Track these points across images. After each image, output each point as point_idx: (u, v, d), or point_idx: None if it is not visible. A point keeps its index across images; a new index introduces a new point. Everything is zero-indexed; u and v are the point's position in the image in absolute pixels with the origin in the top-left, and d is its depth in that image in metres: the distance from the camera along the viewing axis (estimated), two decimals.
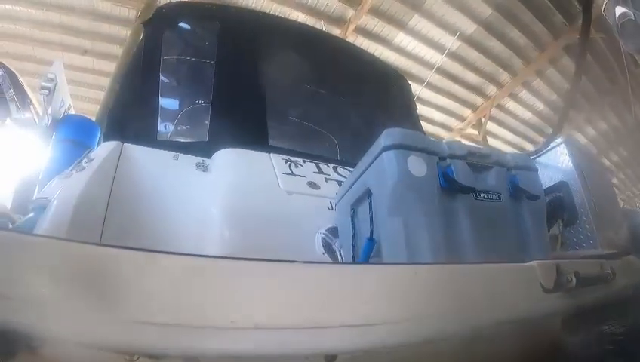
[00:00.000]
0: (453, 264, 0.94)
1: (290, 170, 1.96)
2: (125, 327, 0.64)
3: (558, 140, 2.24)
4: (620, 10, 4.66)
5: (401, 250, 1.14)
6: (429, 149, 1.28)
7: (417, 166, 1.22)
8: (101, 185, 1.60)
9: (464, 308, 0.81)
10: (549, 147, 2.25)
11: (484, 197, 1.36)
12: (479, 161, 1.41)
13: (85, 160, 1.74)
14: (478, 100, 10.62)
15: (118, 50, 7.56)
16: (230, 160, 1.92)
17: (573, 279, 1.03)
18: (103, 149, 1.78)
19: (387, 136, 1.25)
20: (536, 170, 1.63)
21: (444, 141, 1.40)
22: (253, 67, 2.43)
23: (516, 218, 1.46)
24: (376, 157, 1.28)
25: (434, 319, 0.76)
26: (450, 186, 1.26)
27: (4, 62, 4.84)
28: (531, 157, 1.96)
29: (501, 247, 1.35)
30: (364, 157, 1.41)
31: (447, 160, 1.32)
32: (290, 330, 0.68)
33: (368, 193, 1.34)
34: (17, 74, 5.01)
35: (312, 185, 1.90)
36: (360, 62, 3.31)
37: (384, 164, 1.23)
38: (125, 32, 7.35)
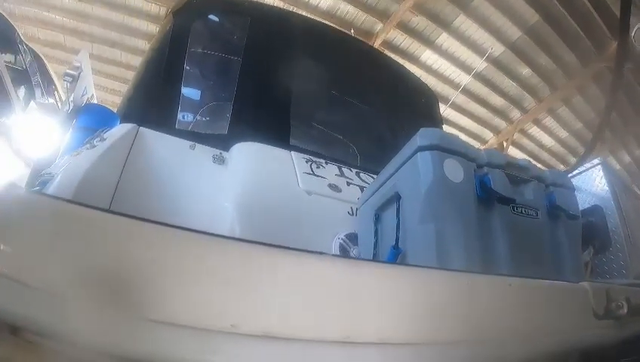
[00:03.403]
0: (509, 276, 0.83)
1: (312, 169, 1.87)
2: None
3: (595, 162, 2.11)
4: None
5: (431, 260, 1.04)
6: (467, 155, 1.18)
7: (454, 171, 1.12)
8: (112, 164, 1.54)
9: (520, 331, 0.70)
10: (585, 168, 2.13)
11: (521, 212, 1.26)
12: (518, 173, 1.31)
13: (98, 139, 1.68)
14: (502, 124, 10.44)
15: (145, 45, 7.66)
16: (249, 153, 1.85)
17: (625, 306, 0.91)
18: (118, 130, 1.72)
19: (423, 136, 1.16)
20: (574, 189, 1.52)
21: (482, 149, 1.30)
22: (280, 65, 2.37)
23: (552, 237, 1.35)
24: (409, 158, 1.18)
25: (492, 341, 0.64)
26: (487, 196, 1.16)
27: (34, 48, 4.92)
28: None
29: (536, 266, 1.24)
30: (393, 159, 1.32)
31: (485, 168, 1.22)
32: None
33: (397, 197, 1.24)
34: (45, 60, 5.08)
35: (334, 187, 1.81)
36: (389, 72, 3.24)
37: (418, 166, 1.13)
38: (154, 29, 7.44)
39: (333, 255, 0.55)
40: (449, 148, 1.14)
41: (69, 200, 0.64)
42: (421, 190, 1.10)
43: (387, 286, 0.61)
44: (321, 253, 0.61)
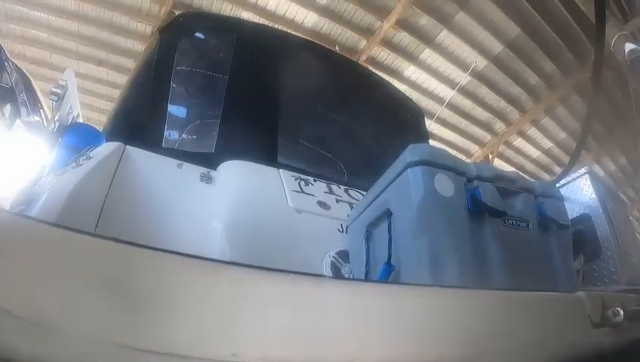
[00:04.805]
0: (507, 290, 0.82)
1: (300, 187, 1.86)
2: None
3: (582, 171, 2.15)
4: (629, 46, 4.67)
5: (425, 276, 1.03)
6: (456, 169, 1.18)
7: (445, 185, 1.12)
8: (98, 183, 1.51)
9: (520, 344, 0.69)
10: (572, 177, 2.16)
11: (512, 224, 1.26)
12: (507, 185, 1.32)
13: (83, 158, 1.66)
14: (486, 136, 10.58)
15: (131, 64, 7.64)
16: (237, 172, 1.84)
17: (621, 313, 0.91)
18: (104, 149, 1.70)
19: (413, 151, 1.16)
20: (563, 199, 1.54)
21: (471, 162, 1.31)
22: (267, 83, 2.38)
23: (544, 248, 1.36)
24: (399, 174, 1.18)
25: (493, 356, 0.63)
26: (478, 209, 1.16)
27: (20, 66, 4.88)
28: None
29: (529, 278, 1.24)
30: (383, 175, 1.32)
31: (475, 182, 1.22)
32: None
33: (388, 213, 1.24)
34: (31, 78, 5.04)
35: (323, 205, 1.80)
36: (376, 88, 3.27)
37: (409, 181, 1.13)
38: (140, 47, 7.43)
39: (335, 277, 0.54)
40: (439, 163, 1.15)
41: (55, 224, 0.62)
42: (412, 205, 1.10)
43: (391, 307, 0.60)
44: (321, 276, 0.60)
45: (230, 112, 2.16)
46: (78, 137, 3.00)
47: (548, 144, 10.85)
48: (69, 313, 0.51)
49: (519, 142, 10.89)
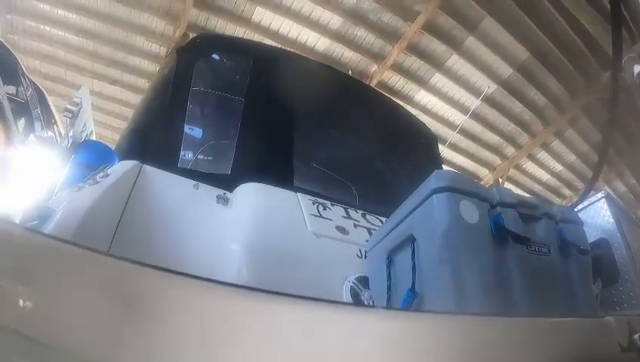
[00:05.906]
0: (533, 317, 0.81)
1: (318, 211, 1.85)
2: None
3: (599, 195, 2.13)
4: (638, 68, 4.65)
5: (449, 302, 1.02)
6: (480, 195, 1.18)
7: (470, 212, 1.11)
8: (115, 201, 1.53)
9: None
10: (589, 202, 2.14)
11: (534, 250, 1.25)
12: (529, 211, 1.31)
13: (101, 175, 1.67)
14: (496, 160, 10.53)
15: (145, 84, 7.78)
16: (255, 195, 1.83)
17: None
18: (122, 167, 1.71)
19: (438, 178, 1.16)
20: (582, 224, 1.52)
21: (493, 188, 1.30)
22: (284, 106, 2.39)
23: (564, 273, 1.34)
24: (424, 200, 1.18)
25: None
26: (501, 235, 1.15)
27: (35, 82, 4.97)
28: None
29: (551, 303, 1.22)
30: (406, 201, 1.31)
31: (498, 208, 1.21)
32: None
33: (411, 239, 1.23)
34: (46, 94, 5.13)
35: (341, 229, 1.78)
36: (392, 113, 3.28)
37: (434, 208, 1.12)
38: (154, 68, 7.57)
39: (383, 307, 0.53)
40: (463, 190, 1.15)
41: (70, 242, 0.61)
42: (437, 232, 1.10)
43: (423, 336, 0.58)
44: (362, 306, 0.59)
45: (247, 134, 2.17)
46: (91, 155, 3.04)
47: (558, 167, 10.76)
48: (81, 337, 0.50)
49: (529, 166, 10.81)
